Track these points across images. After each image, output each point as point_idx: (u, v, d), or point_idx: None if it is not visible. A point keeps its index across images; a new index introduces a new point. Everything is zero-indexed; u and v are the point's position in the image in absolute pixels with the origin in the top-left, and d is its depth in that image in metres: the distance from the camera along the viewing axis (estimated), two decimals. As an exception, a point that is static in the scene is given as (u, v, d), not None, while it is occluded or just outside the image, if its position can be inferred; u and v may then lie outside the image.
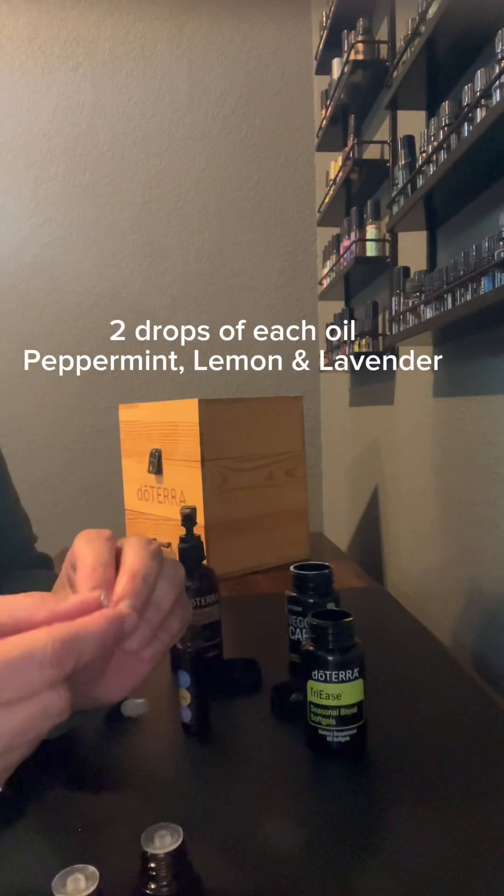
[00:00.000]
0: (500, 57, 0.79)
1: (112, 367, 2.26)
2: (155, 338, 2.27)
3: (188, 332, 2.28)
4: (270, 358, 2.31)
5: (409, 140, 1.15)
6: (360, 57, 1.41)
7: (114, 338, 2.26)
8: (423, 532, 1.36)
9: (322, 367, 2.00)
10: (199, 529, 1.00)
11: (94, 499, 2.24)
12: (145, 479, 1.38)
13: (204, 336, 2.29)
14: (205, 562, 0.78)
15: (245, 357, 2.30)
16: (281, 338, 2.31)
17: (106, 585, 0.36)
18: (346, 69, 1.47)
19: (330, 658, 0.56)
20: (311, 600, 0.74)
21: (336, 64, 1.63)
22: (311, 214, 2.26)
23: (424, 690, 0.72)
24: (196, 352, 2.29)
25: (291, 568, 0.76)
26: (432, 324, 1.04)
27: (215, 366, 2.29)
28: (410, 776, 0.54)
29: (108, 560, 0.38)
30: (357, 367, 1.78)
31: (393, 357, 1.47)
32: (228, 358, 2.29)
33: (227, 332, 2.29)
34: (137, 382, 2.27)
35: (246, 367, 2.30)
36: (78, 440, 2.27)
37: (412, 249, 1.31)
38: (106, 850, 0.46)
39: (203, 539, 0.83)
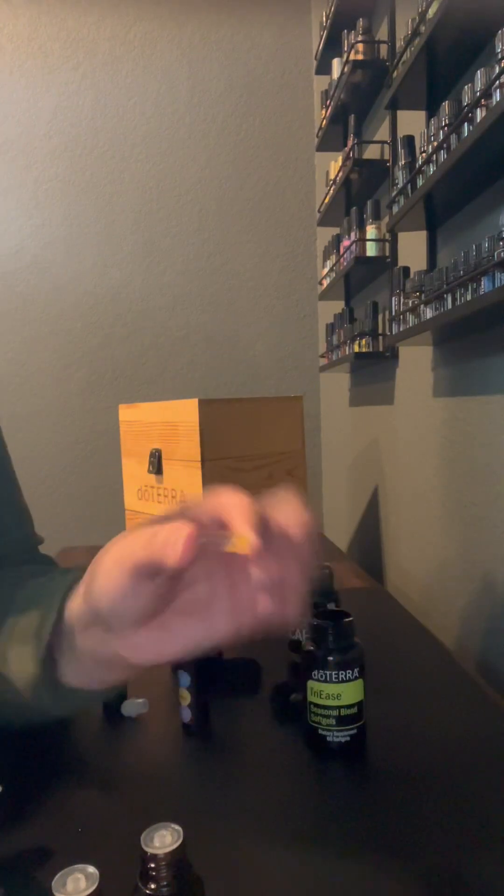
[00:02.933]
0: (500, 57, 0.79)
1: (112, 368, 2.26)
2: (155, 338, 2.27)
3: (188, 332, 2.28)
4: (270, 358, 2.31)
5: (409, 140, 1.15)
6: (360, 57, 1.41)
7: (114, 338, 2.26)
8: (423, 532, 1.36)
9: (322, 367, 2.01)
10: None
11: (95, 498, 2.24)
12: (145, 479, 1.38)
13: (204, 336, 2.29)
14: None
15: (245, 357, 2.30)
16: (281, 338, 2.31)
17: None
18: (346, 69, 1.47)
19: (330, 658, 0.56)
20: (311, 600, 0.74)
21: (336, 64, 1.63)
22: (311, 214, 2.26)
23: (424, 690, 0.72)
24: (196, 352, 2.29)
25: (291, 568, 0.76)
26: (432, 324, 1.04)
27: (215, 366, 2.29)
28: (410, 776, 0.54)
29: (258, 510, 0.39)
30: (357, 367, 1.78)
31: (393, 357, 1.47)
32: (228, 358, 2.30)
33: (226, 332, 2.29)
34: (137, 382, 2.27)
35: (246, 367, 2.30)
36: (78, 440, 2.27)
37: (412, 249, 1.31)
38: (106, 850, 0.46)
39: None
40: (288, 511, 0.40)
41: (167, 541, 0.38)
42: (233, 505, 0.39)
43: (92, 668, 0.48)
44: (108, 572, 0.42)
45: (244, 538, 0.37)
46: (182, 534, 0.38)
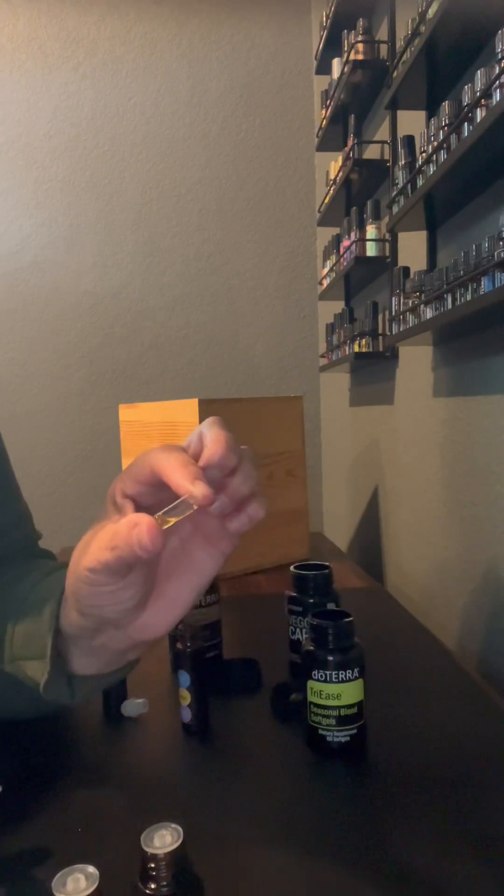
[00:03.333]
0: (500, 57, 0.79)
1: (112, 368, 2.26)
2: (155, 338, 2.27)
3: (188, 332, 2.28)
4: (270, 358, 2.31)
5: (409, 140, 1.15)
6: (360, 57, 1.41)
7: (114, 338, 2.26)
8: (423, 532, 1.36)
9: (322, 367, 2.01)
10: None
11: (95, 499, 2.24)
12: (145, 479, 1.38)
13: (204, 336, 2.29)
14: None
15: (245, 357, 2.30)
16: (281, 338, 2.31)
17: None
18: (346, 69, 1.47)
19: (330, 658, 0.56)
20: (311, 600, 0.74)
21: (336, 64, 1.63)
22: (311, 214, 2.26)
23: (424, 690, 0.72)
24: (196, 352, 2.29)
25: (291, 568, 0.76)
26: (432, 324, 1.04)
27: (215, 366, 2.29)
28: (410, 776, 0.54)
29: (191, 461, 0.40)
30: (357, 367, 1.78)
31: (393, 357, 1.47)
32: (228, 358, 2.29)
33: (226, 332, 2.29)
34: (137, 382, 2.27)
35: (246, 367, 2.30)
36: (78, 440, 2.27)
37: (412, 249, 1.31)
38: (106, 850, 0.46)
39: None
40: (209, 436, 0.41)
41: (130, 538, 0.39)
42: (168, 465, 0.39)
43: (110, 658, 0.50)
44: (89, 584, 0.43)
45: (192, 495, 0.38)
46: (142, 527, 0.38)
